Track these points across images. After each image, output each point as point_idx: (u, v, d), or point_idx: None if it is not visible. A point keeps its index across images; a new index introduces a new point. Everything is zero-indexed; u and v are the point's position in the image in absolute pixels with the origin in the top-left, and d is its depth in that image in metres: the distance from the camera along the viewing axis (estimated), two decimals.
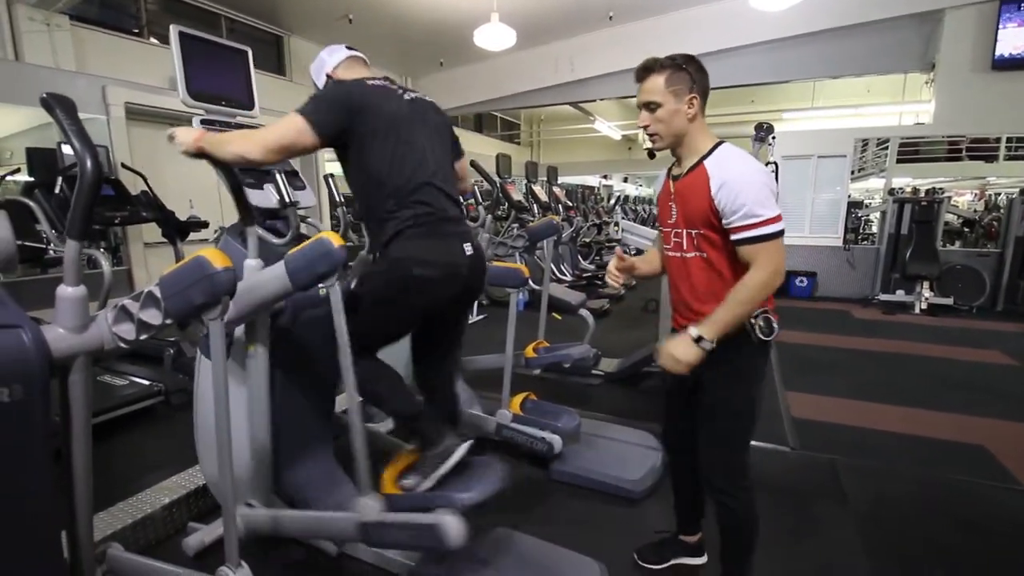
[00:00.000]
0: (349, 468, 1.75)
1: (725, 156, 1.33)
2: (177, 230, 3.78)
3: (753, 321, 1.33)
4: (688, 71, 1.32)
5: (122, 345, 1.15)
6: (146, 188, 3.79)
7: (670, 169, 1.48)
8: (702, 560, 1.78)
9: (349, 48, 1.71)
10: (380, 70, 1.74)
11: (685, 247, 1.40)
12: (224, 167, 1.48)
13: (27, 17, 4.64)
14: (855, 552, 1.87)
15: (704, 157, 1.34)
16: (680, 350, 1.30)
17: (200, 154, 1.43)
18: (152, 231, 4.07)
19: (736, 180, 1.27)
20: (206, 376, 1.64)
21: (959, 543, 1.94)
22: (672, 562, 1.77)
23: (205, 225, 3.98)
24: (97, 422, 2.60)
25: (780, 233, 1.27)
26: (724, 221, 1.29)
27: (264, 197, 1.60)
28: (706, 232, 1.34)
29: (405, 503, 1.49)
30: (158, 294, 1.08)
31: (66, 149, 3.81)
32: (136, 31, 5.85)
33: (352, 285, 1.65)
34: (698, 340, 1.29)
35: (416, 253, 1.49)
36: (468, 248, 1.59)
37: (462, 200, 1.75)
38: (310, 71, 1.73)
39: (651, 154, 1.46)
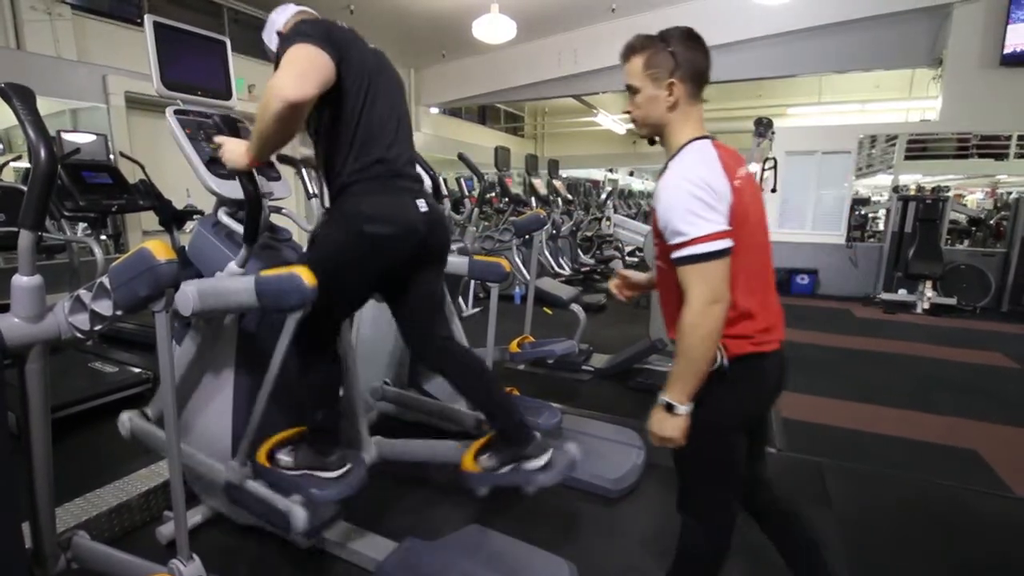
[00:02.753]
0: None
1: (678, 162, 1.14)
2: (174, 218, 3.79)
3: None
4: (672, 51, 1.13)
5: (78, 335, 1.15)
6: (144, 177, 3.81)
7: None
8: None
9: (297, 4, 1.66)
10: None
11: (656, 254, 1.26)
12: (252, 181, 1.41)
13: (29, 6, 4.67)
14: (835, 556, 1.84)
15: (672, 157, 1.16)
16: (658, 427, 1.12)
17: (249, 168, 1.38)
18: (150, 219, 4.09)
19: (662, 191, 1.10)
20: (178, 363, 1.65)
21: (944, 550, 1.91)
22: None
23: (201, 214, 3.98)
24: (86, 408, 2.63)
25: (709, 255, 1.04)
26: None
27: (233, 188, 1.58)
28: (659, 242, 1.19)
29: (270, 477, 1.54)
30: (108, 285, 1.08)
31: (66, 136, 3.84)
32: (138, 20, 5.86)
33: (304, 250, 1.60)
34: (669, 408, 1.11)
35: (366, 209, 1.42)
36: (422, 204, 1.53)
37: (444, 193, 1.72)
38: (263, 36, 1.67)
39: (651, 140, 1.27)
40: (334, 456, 1.59)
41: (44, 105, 4.63)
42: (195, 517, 1.85)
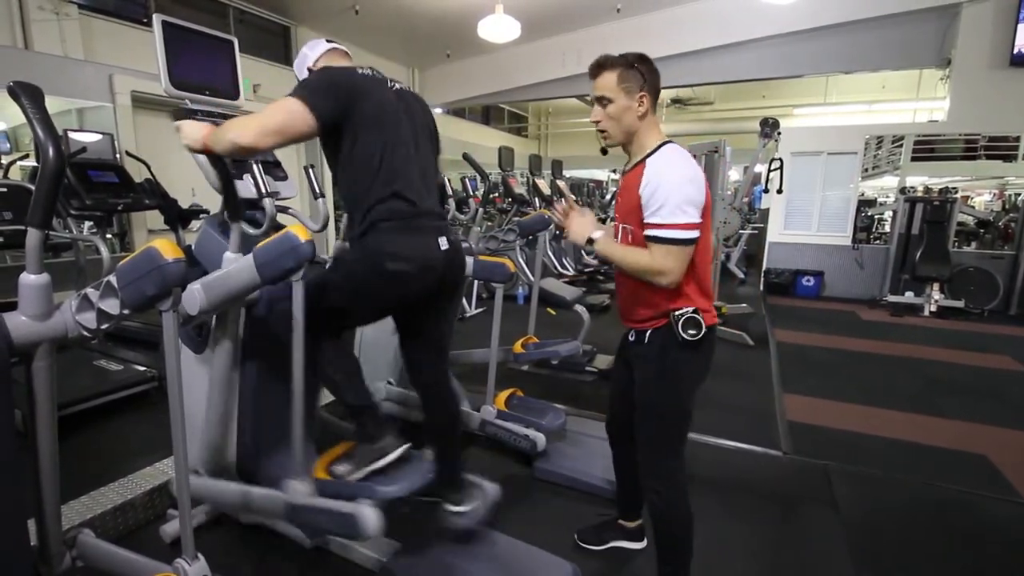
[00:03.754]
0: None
1: (662, 157, 1.35)
2: (179, 218, 3.82)
3: (678, 315, 1.36)
4: (639, 70, 1.35)
5: (85, 333, 1.15)
6: (149, 176, 3.83)
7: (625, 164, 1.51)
8: (640, 545, 1.83)
9: (329, 41, 1.70)
10: (385, 61, 1.73)
11: (619, 239, 1.45)
12: (218, 160, 1.46)
13: (37, 6, 4.69)
14: (842, 563, 1.83)
15: (649, 155, 1.37)
16: (576, 224, 1.45)
17: (203, 151, 1.42)
18: (156, 218, 4.11)
19: (657, 180, 1.30)
20: (185, 366, 1.65)
21: (952, 556, 1.90)
22: (610, 544, 1.82)
23: (206, 213, 4.01)
24: (91, 406, 2.63)
25: (680, 241, 1.29)
26: (643, 214, 1.33)
27: (242, 187, 1.59)
28: (633, 228, 1.38)
29: (332, 489, 1.52)
30: (115, 284, 1.07)
31: (73, 135, 3.86)
32: (144, 20, 5.88)
33: (327, 267, 1.64)
34: (590, 241, 1.41)
35: (389, 248, 1.48)
36: (443, 243, 1.58)
37: (448, 194, 1.75)
38: (294, 68, 1.71)
39: (603, 151, 1.48)
40: (387, 438, 1.60)
41: (51, 104, 4.59)
42: (199, 516, 1.85)
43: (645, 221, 1.32)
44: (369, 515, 1.35)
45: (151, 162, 3.95)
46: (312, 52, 1.68)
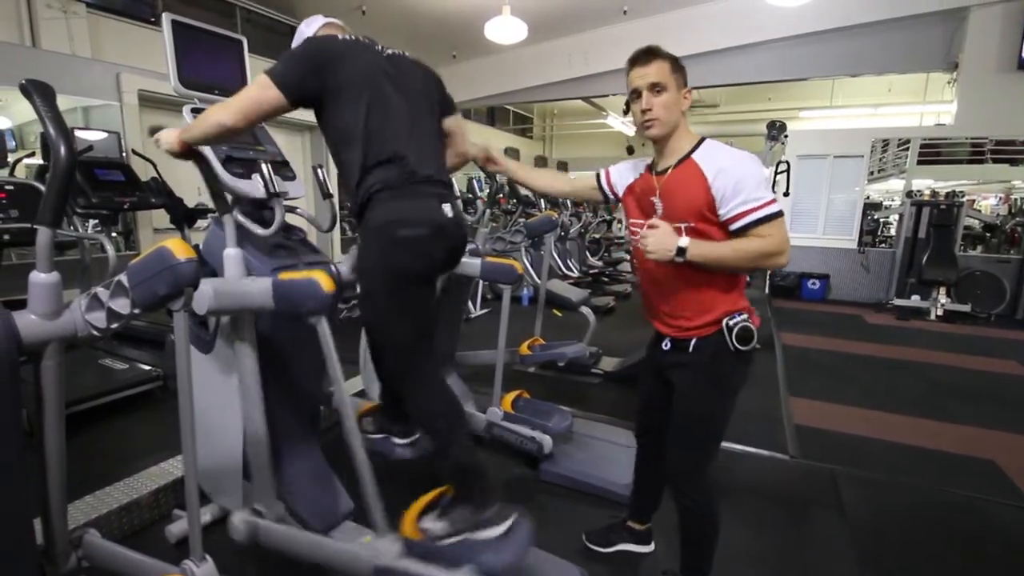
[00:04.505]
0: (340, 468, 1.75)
1: (715, 149, 1.33)
2: (185, 217, 3.82)
3: (731, 325, 1.32)
4: (683, 68, 1.36)
5: (94, 333, 1.15)
6: (156, 175, 3.83)
7: (651, 164, 1.47)
8: (647, 549, 1.81)
9: (326, 16, 1.65)
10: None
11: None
12: (196, 154, 1.45)
13: (45, 4, 4.70)
14: (849, 567, 1.81)
15: (691, 151, 1.34)
16: (658, 239, 1.27)
17: (185, 151, 1.41)
18: (162, 217, 4.11)
19: (733, 168, 1.26)
20: (195, 367, 1.64)
21: (959, 561, 1.88)
22: (618, 547, 1.80)
23: (213, 212, 4.00)
24: (95, 405, 2.63)
25: (780, 214, 1.25)
26: (721, 211, 1.27)
27: (251, 187, 1.58)
28: (696, 224, 1.31)
29: (425, 551, 1.30)
30: (126, 283, 1.07)
31: (79, 134, 3.86)
32: (152, 19, 5.89)
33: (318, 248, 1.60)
34: (680, 251, 1.25)
35: (392, 215, 1.39)
36: (448, 209, 1.47)
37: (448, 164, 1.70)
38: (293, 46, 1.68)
39: (630, 149, 1.47)
40: (492, 510, 1.34)
41: (61, 102, 4.63)
42: (204, 516, 1.84)
43: (734, 213, 1.25)
44: None
45: (157, 161, 3.95)
46: (308, 28, 1.62)
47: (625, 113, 1.47)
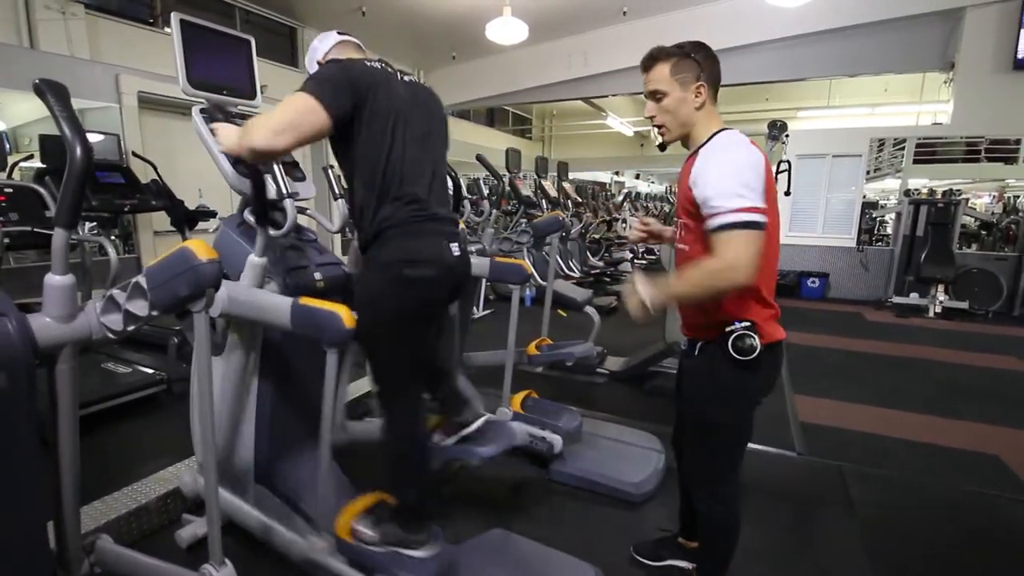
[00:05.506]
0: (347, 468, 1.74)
1: (716, 143, 1.27)
2: (186, 219, 3.79)
3: (728, 332, 1.25)
4: (695, 59, 1.28)
5: (110, 336, 1.13)
6: (156, 177, 3.80)
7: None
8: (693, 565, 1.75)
9: (340, 33, 1.64)
10: (394, 61, 1.68)
11: (678, 237, 1.38)
12: (250, 165, 1.42)
13: (43, 5, 4.67)
14: (860, 562, 1.82)
15: (702, 145, 1.30)
16: (632, 301, 1.23)
17: (239, 155, 1.38)
18: (162, 219, 4.09)
19: (709, 167, 1.20)
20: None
21: (968, 555, 1.89)
22: (667, 562, 1.75)
23: (213, 215, 3.98)
24: (99, 409, 2.61)
25: (747, 225, 1.12)
26: (701, 211, 1.21)
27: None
28: (686, 221, 1.31)
29: (354, 554, 1.43)
30: (144, 285, 1.06)
31: None
32: (150, 21, 5.87)
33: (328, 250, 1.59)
34: (643, 304, 1.22)
35: (400, 255, 1.40)
36: (455, 249, 1.49)
37: (464, 195, 1.71)
38: (306, 62, 1.67)
39: (662, 147, 1.43)
40: (423, 535, 1.47)
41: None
42: None
43: (706, 213, 1.18)
44: None
45: (157, 163, 3.93)
46: (322, 44, 1.60)
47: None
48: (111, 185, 3.48)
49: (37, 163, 3.97)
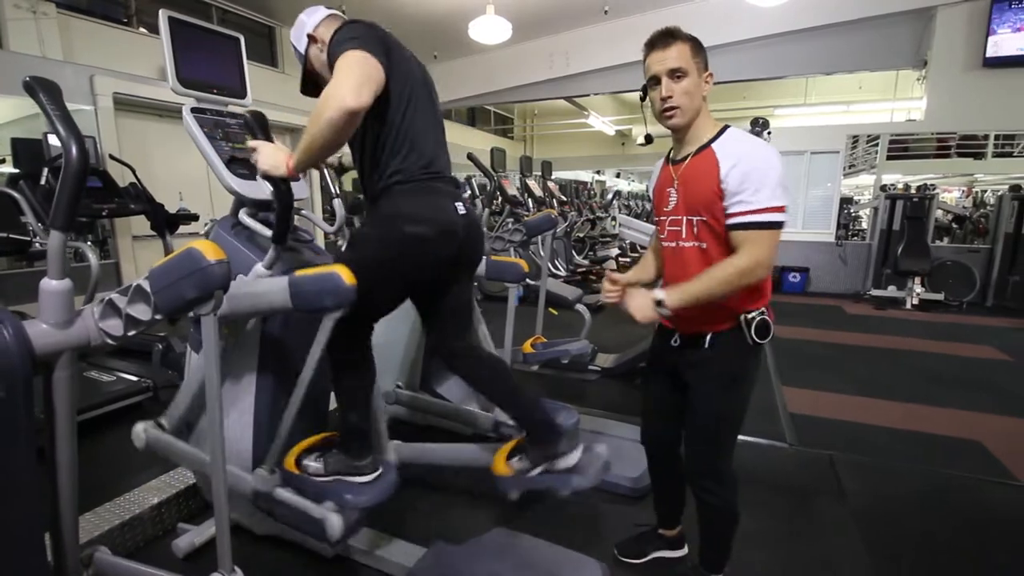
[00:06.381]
0: None
1: (737, 138, 1.27)
2: (166, 223, 3.70)
3: (749, 319, 1.29)
4: (704, 49, 1.28)
5: (109, 341, 1.10)
6: (134, 180, 3.71)
7: (669, 154, 1.42)
8: (682, 552, 1.78)
9: (328, 8, 1.62)
10: None
11: (683, 235, 1.33)
12: (284, 185, 1.38)
13: (13, 4, 4.53)
14: (855, 548, 1.86)
15: (713, 140, 1.28)
16: (637, 305, 1.26)
17: (286, 178, 1.35)
18: (141, 224, 4.00)
19: (748, 162, 1.20)
20: (194, 367, 1.61)
21: (957, 538, 1.94)
22: (652, 556, 1.76)
23: (195, 218, 3.91)
24: (84, 419, 2.53)
25: (775, 225, 1.20)
26: (725, 203, 1.22)
27: (256, 188, 1.55)
28: (708, 219, 1.27)
29: (298, 484, 1.51)
30: (147, 288, 1.03)
31: (53, 139, 3.71)
32: (125, 20, 5.73)
33: (343, 249, 1.59)
34: (659, 303, 1.24)
35: (406, 210, 1.42)
36: (460, 207, 1.52)
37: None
38: (290, 38, 1.62)
39: (648, 138, 1.42)
40: (366, 461, 1.55)
41: (25, 106, 4.48)
42: (210, 528, 1.79)
43: (735, 210, 1.20)
44: (335, 523, 1.39)
45: (136, 165, 3.83)
46: (311, 18, 1.58)
47: (642, 100, 1.38)
48: (89, 189, 3.38)
49: (6, 168, 3.85)
